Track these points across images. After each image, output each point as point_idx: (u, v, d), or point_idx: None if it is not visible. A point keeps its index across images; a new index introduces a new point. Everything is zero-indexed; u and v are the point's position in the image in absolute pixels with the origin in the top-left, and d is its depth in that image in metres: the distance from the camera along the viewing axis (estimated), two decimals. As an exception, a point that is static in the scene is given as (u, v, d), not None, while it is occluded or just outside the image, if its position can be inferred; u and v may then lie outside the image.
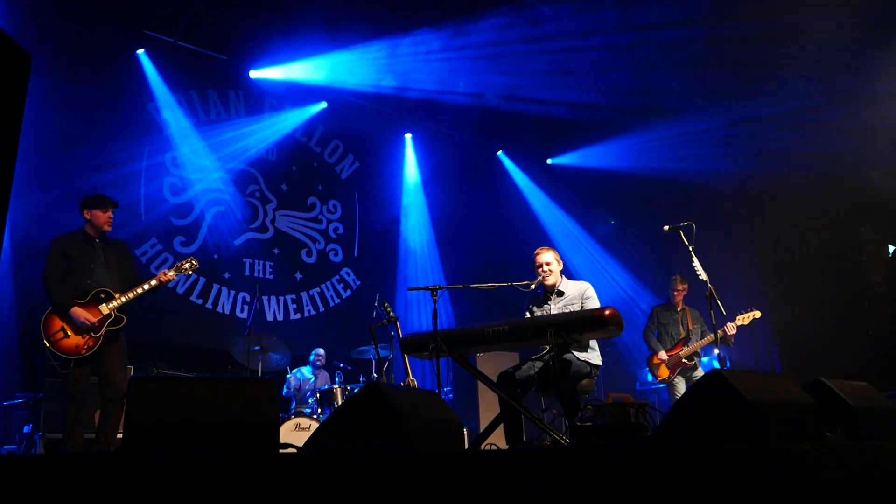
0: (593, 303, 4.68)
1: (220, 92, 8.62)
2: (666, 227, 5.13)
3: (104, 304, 4.74)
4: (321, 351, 7.55)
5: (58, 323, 4.62)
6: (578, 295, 4.72)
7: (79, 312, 4.64)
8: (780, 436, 2.58)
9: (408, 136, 10.08)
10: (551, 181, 10.75)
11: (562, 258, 4.94)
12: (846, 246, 7.61)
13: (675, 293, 6.87)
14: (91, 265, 4.85)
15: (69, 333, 4.61)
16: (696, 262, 4.90)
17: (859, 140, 7.42)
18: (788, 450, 2.49)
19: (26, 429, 5.58)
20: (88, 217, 4.93)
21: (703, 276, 4.85)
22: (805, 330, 7.26)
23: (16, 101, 1.61)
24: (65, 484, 1.53)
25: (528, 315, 4.91)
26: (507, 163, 10.80)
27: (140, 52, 7.77)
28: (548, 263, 4.77)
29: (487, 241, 10.44)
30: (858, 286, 7.48)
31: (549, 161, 10.91)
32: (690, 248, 4.91)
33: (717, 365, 6.05)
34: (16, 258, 6.15)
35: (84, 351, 4.62)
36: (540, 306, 4.84)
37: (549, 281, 4.76)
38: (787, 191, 7.71)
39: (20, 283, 6.09)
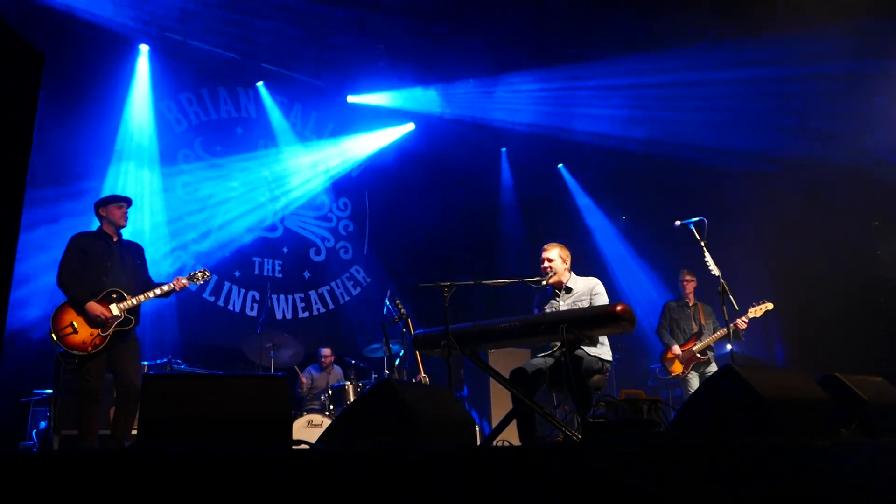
0: (602, 299, 4.62)
1: (230, 90, 8.65)
2: (678, 223, 5.09)
3: (115, 305, 4.77)
4: (327, 350, 7.51)
5: (68, 318, 4.65)
6: (587, 291, 4.67)
7: (94, 307, 4.66)
8: (794, 432, 2.56)
9: (411, 126, 9.93)
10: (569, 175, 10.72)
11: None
12: (859, 240, 7.55)
13: (685, 285, 6.85)
14: (108, 263, 4.88)
15: (77, 329, 4.64)
16: (707, 258, 4.86)
17: (873, 132, 7.35)
18: (802, 446, 2.48)
19: (42, 425, 5.63)
20: (104, 214, 4.97)
21: (716, 271, 4.81)
22: (818, 325, 7.21)
23: (29, 99, 1.62)
24: (80, 480, 1.54)
25: (535, 312, 4.88)
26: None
27: (144, 48, 7.74)
28: (550, 260, 4.71)
29: (498, 237, 10.41)
30: (872, 281, 7.43)
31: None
32: (702, 244, 4.87)
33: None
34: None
35: (90, 349, 4.64)
36: (548, 303, 4.81)
37: (553, 278, 4.69)
38: (799, 184, 7.66)
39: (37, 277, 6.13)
